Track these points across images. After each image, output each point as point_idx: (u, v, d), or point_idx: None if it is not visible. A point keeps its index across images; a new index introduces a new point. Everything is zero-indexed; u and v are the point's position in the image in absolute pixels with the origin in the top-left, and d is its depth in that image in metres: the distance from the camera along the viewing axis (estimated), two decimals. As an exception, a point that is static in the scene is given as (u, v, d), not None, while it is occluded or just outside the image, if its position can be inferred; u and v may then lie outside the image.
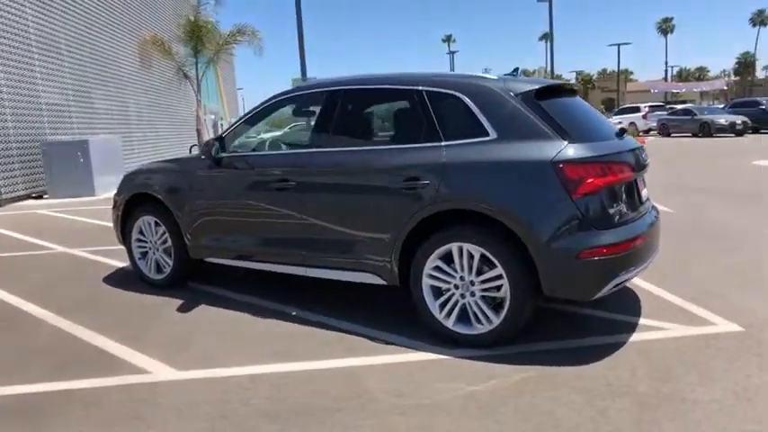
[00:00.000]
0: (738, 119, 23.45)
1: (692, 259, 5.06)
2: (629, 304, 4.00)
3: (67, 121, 13.71)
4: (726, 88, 63.92)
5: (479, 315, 3.33)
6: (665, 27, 79.13)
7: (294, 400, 2.85)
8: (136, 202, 4.94)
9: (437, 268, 3.43)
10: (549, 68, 27.65)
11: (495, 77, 3.54)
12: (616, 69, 71.64)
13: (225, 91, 34.95)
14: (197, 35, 12.91)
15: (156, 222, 4.79)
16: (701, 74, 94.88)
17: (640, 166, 3.49)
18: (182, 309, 4.33)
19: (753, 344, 3.27)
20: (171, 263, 4.76)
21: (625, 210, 3.28)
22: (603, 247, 3.06)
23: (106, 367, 3.32)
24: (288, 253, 4.03)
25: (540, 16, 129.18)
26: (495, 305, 3.32)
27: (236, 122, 4.49)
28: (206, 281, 4.94)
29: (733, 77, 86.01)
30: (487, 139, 3.30)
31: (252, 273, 4.70)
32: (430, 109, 3.52)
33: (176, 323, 4.04)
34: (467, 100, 3.42)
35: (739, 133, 23.14)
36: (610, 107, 59.89)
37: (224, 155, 4.28)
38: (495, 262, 3.21)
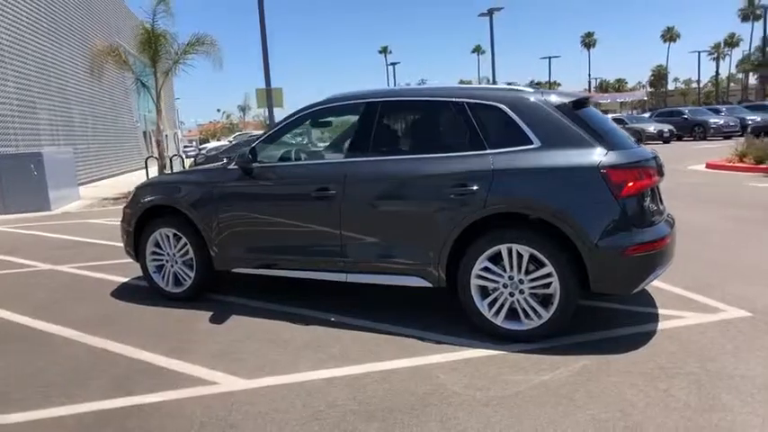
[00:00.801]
0: (665, 127, 25.37)
1: (680, 255, 5.54)
2: (641, 297, 4.36)
3: (11, 134, 12.91)
4: (646, 99, 68.69)
5: (529, 311, 3.56)
6: (588, 41, 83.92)
7: (379, 399, 2.96)
8: (151, 214, 4.85)
9: (485, 269, 3.64)
10: (491, 79, 28.70)
11: (531, 90, 3.81)
12: (543, 81, 75.35)
13: (164, 101, 33.87)
14: (154, 45, 12.55)
15: (174, 234, 4.73)
16: (620, 85, 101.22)
17: (661, 172, 3.86)
18: (214, 320, 4.30)
19: (764, 326, 3.70)
20: (192, 275, 4.70)
21: (655, 211, 3.63)
22: (643, 245, 3.38)
23: (169, 381, 3.29)
24: (328, 260, 4.11)
25: (472, 29, 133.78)
26: (543, 301, 3.57)
27: (266, 133, 4.53)
28: (222, 292, 4.91)
29: (648, 89, 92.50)
30: (531, 147, 3.56)
31: (268, 281, 4.74)
32: (473, 120, 3.74)
33: (216, 334, 4.01)
34: (508, 111, 3.67)
35: (666, 141, 25.03)
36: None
37: (259, 164, 4.30)
38: (545, 261, 3.46)
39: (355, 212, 3.97)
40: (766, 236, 6.33)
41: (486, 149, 3.65)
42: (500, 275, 3.61)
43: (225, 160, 4.86)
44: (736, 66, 76.74)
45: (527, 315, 3.58)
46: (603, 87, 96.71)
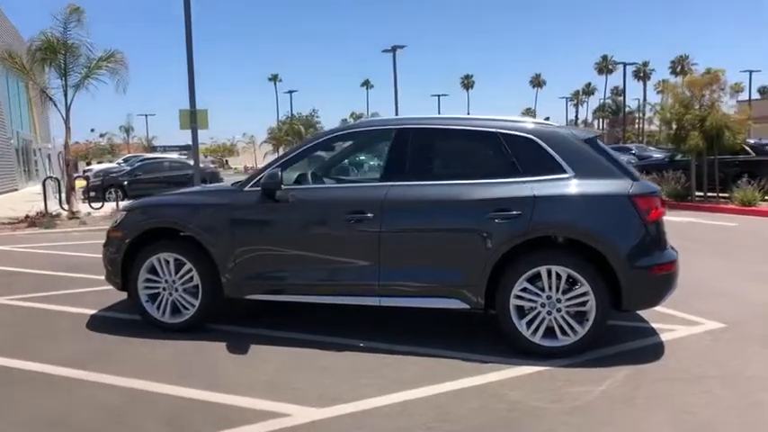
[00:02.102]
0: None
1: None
2: (631, 315, 4.83)
3: None
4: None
5: (566, 328, 3.83)
6: (467, 83, 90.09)
7: (467, 418, 3.02)
8: (146, 238, 4.47)
9: (524, 289, 3.86)
10: (395, 114, 29.74)
11: (557, 125, 4.18)
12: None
13: (37, 117, 30.67)
14: (64, 57, 11.47)
15: (176, 260, 4.40)
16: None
17: (664, 202, 4.38)
18: (234, 351, 4.05)
19: (744, 334, 4.30)
20: (196, 303, 4.38)
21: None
22: (665, 265, 3.83)
23: (234, 416, 3.06)
24: (362, 284, 4.09)
25: (363, 63, 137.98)
26: (577, 318, 3.85)
27: (285, 156, 4.41)
28: (214, 321, 4.61)
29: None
30: (566, 176, 3.89)
31: (256, 307, 4.65)
32: (508, 149, 4.00)
33: (249, 366, 3.79)
34: (541, 142, 3.98)
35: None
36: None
37: (284, 187, 4.18)
38: (582, 280, 3.77)
39: (394, 236, 4.01)
40: (702, 261, 7.27)
41: (523, 176, 3.92)
42: (538, 295, 3.85)
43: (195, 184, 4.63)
44: (593, 112, 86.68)
45: (564, 332, 3.84)
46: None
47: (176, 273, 4.42)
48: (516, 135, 4.04)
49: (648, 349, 4.03)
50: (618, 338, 4.23)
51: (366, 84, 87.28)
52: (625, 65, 41.44)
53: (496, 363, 3.76)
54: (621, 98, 71.68)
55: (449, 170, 4.20)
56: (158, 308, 4.47)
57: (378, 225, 4.01)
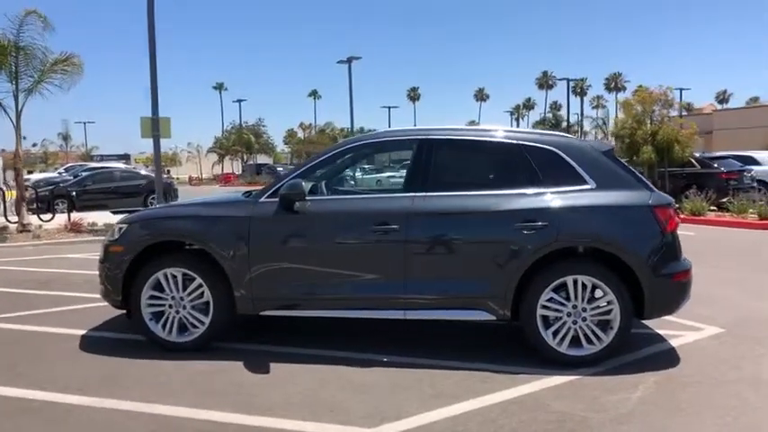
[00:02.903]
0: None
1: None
2: (635, 322, 4.97)
3: None
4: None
5: (591, 337, 3.88)
6: (413, 95, 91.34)
7: (524, 429, 2.99)
8: (149, 252, 4.21)
9: (550, 299, 3.89)
10: (350, 126, 29.72)
11: (576, 138, 4.26)
12: (372, 128, 79.75)
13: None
14: (13, 58, 10.72)
15: (184, 275, 4.16)
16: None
17: None
18: (256, 369, 3.86)
19: (743, 337, 4.50)
20: (206, 320, 4.15)
21: None
22: (683, 273, 3.96)
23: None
24: (387, 297, 4.00)
25: (311, 73, 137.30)
26: (601, 327, 3.91)
27: (301, 167, 4.27)
28: (220, 339, 4.41)
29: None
30: (588, 187, 3.97)
31: (259, 323, 4.50)
32: (531, 161, 4.04)
33: (277, 385, 3.61)
34: (563, 154, 4.05)
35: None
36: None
37: (308, 198, 4.03)
38: (607, 289, 3.83)
39: (420, 247, 3.95)
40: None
41: (547, 188, 3.96)
42: (563, 305, 3.89)
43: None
44: (533, 126, 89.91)
45: (589, 341, 3.89)
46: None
47: (184, 289, 4.18)
48: (538, 147, 4.09)
49: (664, 355, 4.14)
50: (632, 346, 4.32)
51: (313, 94, 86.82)
52: (568, 80, 43.32)
53: (525, 374, 3.76)
54: (560, 112, 74.91)
55: (473, 181, 4.18)
56: (164, 326, 4.21)
57: (404, 236, 3.94)
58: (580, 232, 3.89)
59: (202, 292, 4.15)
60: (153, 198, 17.53)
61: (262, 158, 58.65)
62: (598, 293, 3.87)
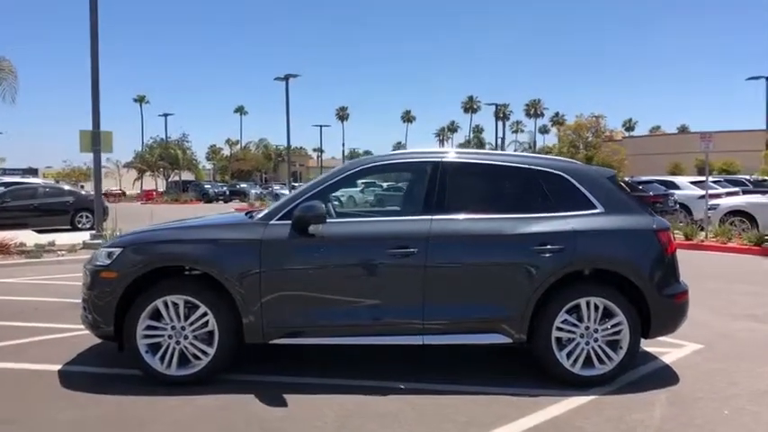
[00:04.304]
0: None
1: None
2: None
3: None
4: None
5: (603, 357, 4.00)
6: (342, 114, 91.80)
7: (570, 454, 3.00)
8: (145, 279, 3.90)
9: (565, 321, 3.98)
10: (286, 144, 29.25)
11: (581, 163, 4.42)
12: (302, 146, 79.43)
13: None
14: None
15: (186, 302, 3.88)
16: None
17: None
18: (271, 402, 3.64)
19: (724, 354, 4.80)
20: (211, 351, 3.88)
21: None
22: (684, 293, 4.18)
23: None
24: (406, 322, 3.92)
25: (236, 90, 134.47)
26: (611, 347, 4.03)
27: (313, 188, 4.11)
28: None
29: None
30: (597, 211, 4.12)
31: (258, 353, 4.31)
32: (542, 185, 4.15)
33: (301, 419, 3.42)
34: (571, 179, 4.19)
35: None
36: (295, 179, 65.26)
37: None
38: (618, 310, 3.98)
39: (440, 271, 3.92)
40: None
41: (558, 212, 4.07)
42: (576, 326, 3.99)
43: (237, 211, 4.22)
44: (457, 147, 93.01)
45: (601, 360, 4.00)
46: (354, 156, 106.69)
47: (186, 318, 3.89)
48: (548, 172, 4.21)
49: (662, 372, 4.33)
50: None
51: (240, 110, 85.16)
52: (497, 105, 45.27)
53: (543, 395, 3.79)
54: (482, 135, 77.97)
55: (487, 204, 4.20)
56: (162, 359, 3.88)
57: (423, 260, 3.90)
58: (594, 255, 4.02)
59: (206, 321, 3.88)
60: (81, 216, 16.43)
61: (185, 175, 56.40)
62: (608, 314, 4.00)
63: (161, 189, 52.57)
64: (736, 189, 18.30)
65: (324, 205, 3.87)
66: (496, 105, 44.42)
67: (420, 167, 4.27)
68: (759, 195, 14.09)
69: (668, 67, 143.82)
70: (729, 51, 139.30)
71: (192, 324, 3.89)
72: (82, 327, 5.20)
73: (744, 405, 3.69)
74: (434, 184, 4.13)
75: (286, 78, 28.16)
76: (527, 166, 4.24)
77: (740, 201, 13.85)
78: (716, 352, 4.81)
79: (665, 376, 4.22)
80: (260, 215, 4.22)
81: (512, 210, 4.13)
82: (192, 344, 3.90)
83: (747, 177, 21.56)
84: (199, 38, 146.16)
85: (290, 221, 3.93)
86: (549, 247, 3.94)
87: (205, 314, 3.87)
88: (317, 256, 3.94)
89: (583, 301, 3.97)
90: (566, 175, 4.21)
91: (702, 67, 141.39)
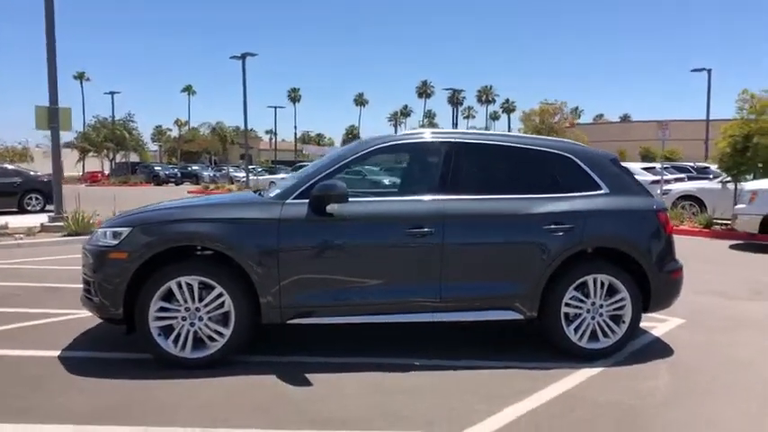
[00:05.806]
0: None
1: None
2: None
3: None
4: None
5: (607, 331, 4.19)
6: (294, 96, 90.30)
7: (584, 421, 3.18)
8: (156, 259, 3.78)
9: (573, 297, 4.14)
10: (243, 125, 28.45)
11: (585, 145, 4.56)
12: (252, 128, 77.61)
13: None
14: None
15: (201, 283, 3.78)
16: (319, 139, 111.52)
17: None
18: (295, 383, 3.63)
19: (704, 326, 5.11)
20: (227, 332, 3.81)
21: None
22: (680, 270, 4.41)
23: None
24: (420, 300, 3.98)
25: (185, 68, 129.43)
26: (614, 321, 4.23)
27: (329, 166, 4.06)
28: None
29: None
30: (602, 192, 4.28)
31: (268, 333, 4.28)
32: (552, 166, 4.27)
33: (325, 397, 3.43)
34: (578, 161, 4.33)
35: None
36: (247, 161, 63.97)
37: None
38: (621, 287, 4.17)
39: (455, 250, 3.99)
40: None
41: (567, 193, 4.21)
42: (583, 302, 4.16)
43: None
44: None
45: (605, 334, 4.20)
46: (306, 140, 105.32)
47: (200, 299, 3.80)
48: (559, 154, 4.33)
49: (655, 345, 4.57)
50: (623, 338, 4.73)
51: (188, 89, 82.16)
52: (454, 90, 45.67)
53: (554, 368, 3.94)
54: (435, 120, 78.62)
55: (500, 185, 4.27)
56: (175, 342, 3.79)
57: (440, 239, 3.95)
58: (603, 234, 4.19)
59: (222, 302, 3.80)
60: (30, 198, 15.60)
61: (130, 157, 54.08)
62: (612, 291, 4.19)
63: (106, 171, 50.28)
64: (682, 175, 19.26)
65: (342, 185, 3.85)
66: (453, 90, 44.93)
67: (436, 148, 4.29)
68: (706, 181, 14.87)
69: (611, 55, 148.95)
70: (672, 43, 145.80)
71: (206, 305, 3.80)
72: (69, 311, 5.06)
73: (740, 371, 3.97)
74: (449, 165, 4.17)
75: (243, 57, 27.39)
76: (539, 148, 4.35)
77: (691, 186, 14.62)
78: (699, 326, 5.12)
79: (660, 348, 4.46)
80: (272, 194, 4.15)
81: (524, 190, 4.23)
82: (206, 325, 3.81)
83: (692, 164, 22.69)
84: (147, 18, 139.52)
85: (306, 200, 3.90)
86: (560, 226, 4.07)
87: (221, 295, 3.79)
88: (337, 235, 3.92)
89: (590, 279, 4.13)
90: (574, 158, 4.34)
91: (645, 57, 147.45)
